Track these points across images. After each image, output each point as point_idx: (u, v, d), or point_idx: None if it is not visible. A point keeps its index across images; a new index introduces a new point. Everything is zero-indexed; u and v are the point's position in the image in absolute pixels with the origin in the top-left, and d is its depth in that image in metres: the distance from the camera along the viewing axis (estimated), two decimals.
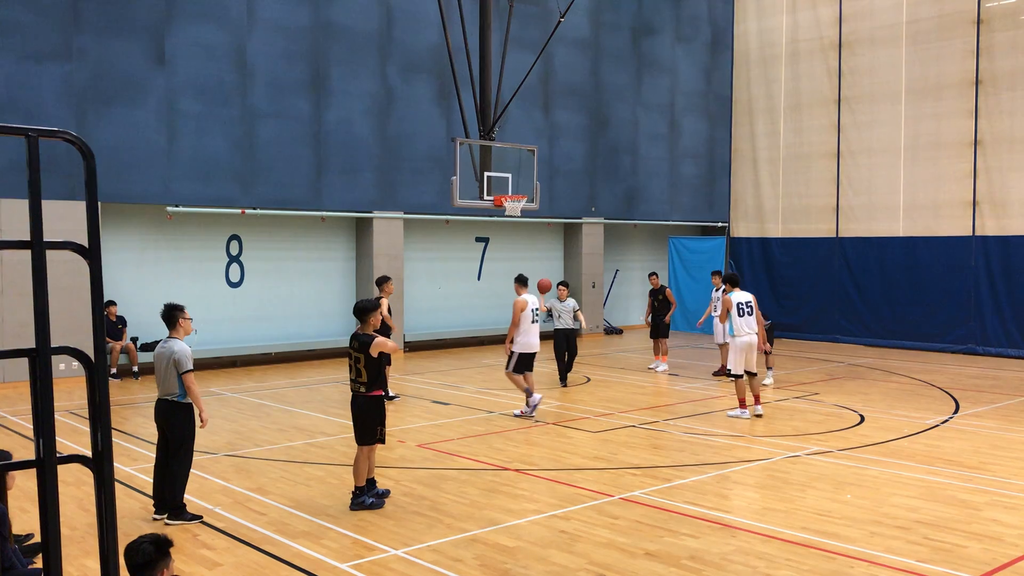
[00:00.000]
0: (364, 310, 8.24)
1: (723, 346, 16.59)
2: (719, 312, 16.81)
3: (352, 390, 8.21)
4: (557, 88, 22.81)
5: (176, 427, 7.82)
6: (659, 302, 17.53)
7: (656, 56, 25.29)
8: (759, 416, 12.39)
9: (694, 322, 24.67)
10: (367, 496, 8.13)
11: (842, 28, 21.84)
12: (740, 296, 12.72)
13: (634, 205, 24.95)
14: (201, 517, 7.77)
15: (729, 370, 12.59)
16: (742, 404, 12.47)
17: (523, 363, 12.68)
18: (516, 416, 12.40)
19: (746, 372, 12.51)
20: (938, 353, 19.69)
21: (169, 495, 7.75)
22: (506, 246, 23.01)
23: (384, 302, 12.92)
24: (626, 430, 11.60)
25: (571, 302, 15.36)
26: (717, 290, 16.94)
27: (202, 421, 7.83)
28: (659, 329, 17.42)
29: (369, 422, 8.15)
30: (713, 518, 7.71)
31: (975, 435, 11.29)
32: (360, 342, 8.08)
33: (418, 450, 10.47)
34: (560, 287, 15.48)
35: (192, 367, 7.80)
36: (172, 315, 7.93)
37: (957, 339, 19.90)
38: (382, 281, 13.67)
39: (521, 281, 13.26)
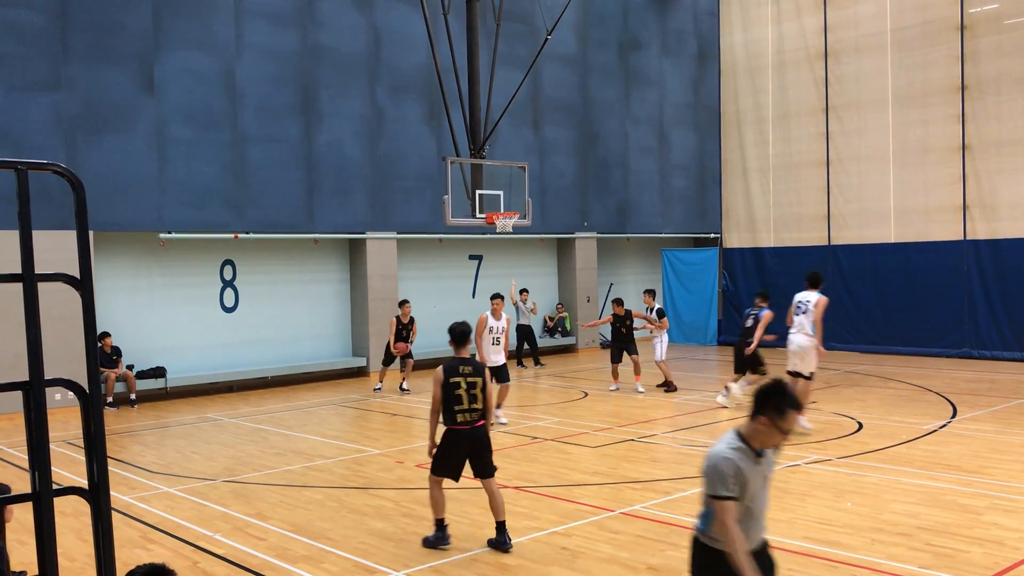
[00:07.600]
0: (466, 334, 7.77)
1: (662, 363, 16.19)
2: (653, 331, 16.48)
3: (468, 420, 7.38)
4: (546, 104, 22.91)
5: None
6: (627, 327, 16.28)
7: (643, 70, 25.41)
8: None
9: (690, 334, 24.78)
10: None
11: (827, 38, 22.00)
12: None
13: (626, 219, 25.00)
14: None
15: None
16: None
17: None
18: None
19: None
20: (934, 358, 19.71)
21: None
22: (500, 263, 23.02)
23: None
24: (625, 444, 11.59)
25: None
26: (651, 310, 16.53)
27: None
28: (630, 348, 16.25)
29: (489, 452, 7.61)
30: None
31: (973, 439, 11.29)
32: (474, 367, 7.52)
33: (417, 470, 10.44)
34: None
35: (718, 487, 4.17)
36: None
37: (952, 343, 19.93)
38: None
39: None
